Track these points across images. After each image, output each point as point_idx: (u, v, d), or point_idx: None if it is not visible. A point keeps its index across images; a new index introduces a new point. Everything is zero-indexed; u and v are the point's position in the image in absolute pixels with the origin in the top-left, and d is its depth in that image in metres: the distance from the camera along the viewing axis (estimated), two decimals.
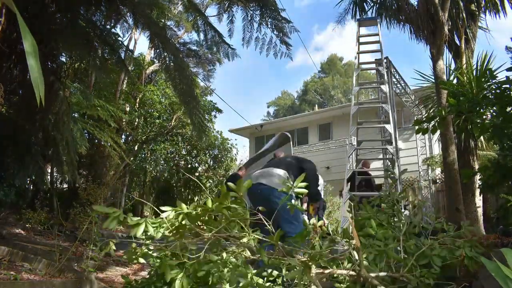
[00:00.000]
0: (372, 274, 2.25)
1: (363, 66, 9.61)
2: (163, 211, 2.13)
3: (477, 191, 6.18)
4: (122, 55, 9.65)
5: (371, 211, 2.74)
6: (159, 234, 2.15)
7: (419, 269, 2.29)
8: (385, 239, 2.52)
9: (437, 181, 12.24)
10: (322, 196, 6.64)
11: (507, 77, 3.16)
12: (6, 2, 1.35)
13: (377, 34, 8.51)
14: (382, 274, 2.29)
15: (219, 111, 16.49)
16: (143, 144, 14.87)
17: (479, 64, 6.84)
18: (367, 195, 8.21)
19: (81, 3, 5.96)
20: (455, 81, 7.02)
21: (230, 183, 2.11)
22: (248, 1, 6.49)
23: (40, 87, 1.27)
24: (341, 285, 2.30)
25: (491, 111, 3.45)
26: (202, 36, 7.73)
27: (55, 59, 6.85)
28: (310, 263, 2.06)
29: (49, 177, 10.87)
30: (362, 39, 8.87)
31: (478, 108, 3.47)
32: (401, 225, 2.58)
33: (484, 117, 3.49)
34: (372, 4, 8.35)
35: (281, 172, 3.08)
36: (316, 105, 29.98)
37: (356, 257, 2.26)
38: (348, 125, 12.06)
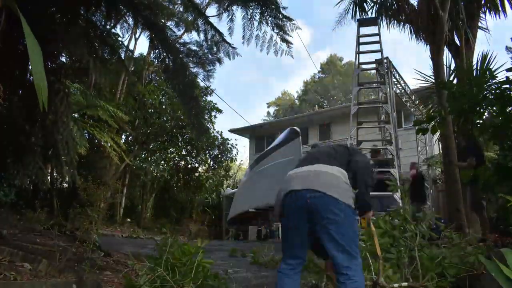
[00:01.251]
0: (396, 285, 2.28)
1: (364, 66, 9.61)
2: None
3: None
4: (122, 55, 9.66)
5: (385, 225, 2.75)
6: None
7: (435, 277, 2.36)
8: (398, 252, 2.56)
9: (437, 181, 12.24)
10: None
11: (507, 77, 3.16)
12: (9, 5, 1.36)
13: (378, 34, 8.51)
14: (404, 284, 2.33)
15: (219, 111, 16.49)
16: (143, 144, 14.87)
17: (479, 64, 6.84)
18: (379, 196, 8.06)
19: (81, 3, 5.96)
20: (455, 81, 7.02)
21: None
22: (248, 0, 6.47)
23: (43, 91, 1.28)
24: None
25: (491, 111, 3.45)
26: (202, 35, 7.69)
27: (55, 59, 6.84)
28: None
29: (49, 177, 10.88)
30: (362, 39, 8.86)
31: (478, 108, 3.47)
32: (414, 235, 2.64)
33: (484, 117, 3.49)
34: (372, 4, 8.36)
35: (338, 172, 2.05)
36: (316, 105, 29.98)
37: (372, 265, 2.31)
38: (348, 125, 12.01)
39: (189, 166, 16.78)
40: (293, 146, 9.54)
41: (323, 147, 2.43)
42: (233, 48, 7.50)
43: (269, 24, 6.57)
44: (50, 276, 3.10)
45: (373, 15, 8.38)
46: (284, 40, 6.77)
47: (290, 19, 6.55)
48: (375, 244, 2.43)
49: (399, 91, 10.60)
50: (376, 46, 8.71)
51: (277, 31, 6.64)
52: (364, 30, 8.95)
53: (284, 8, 6.42)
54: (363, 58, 9.68)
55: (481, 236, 4.77)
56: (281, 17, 6.47)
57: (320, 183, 1.98)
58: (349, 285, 1.87)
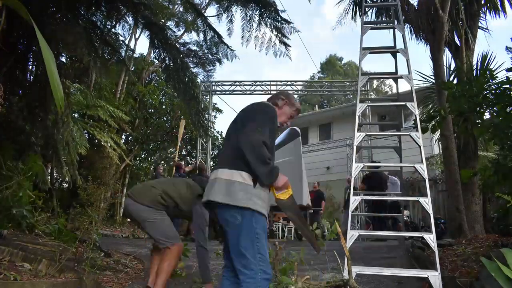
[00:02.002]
0: None
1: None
2: None
3: (477, 191, 6.18)
4: (122, 55, 9.66)
5: None
6: None
7: None
8: None
9: (438, 181, 12.23)
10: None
11: (507, 77, 3.16)
12: (17, 8, 1.37)
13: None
14: None
15: (219, 111, 16.51)
16: (143, 144, 14.87)
17: (479, 64, 6.84)
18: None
19: (81, 3, 5.96)
20: (455, 81, 7.01)
21: None
22: (247, 1, 6.49)
23: (58, 93, 1.32)
24: None
25: (491, 111, 3.46)
26: (201, 36, 7.74)
27: (55, 59, 6.85)
28: None
29: (49, 177, 10.87)
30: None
31: (478, 108, 3.47)
32: None
33: (484, 117, 3.49)
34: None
35: (236, 175, 1.92)
36: (316, 105, 29.95)
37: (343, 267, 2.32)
38: (348, 125, 11.80)
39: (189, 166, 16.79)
40: (293, 146, 9.53)
41: (233, 124, 2.14)
42: (232, 50, 7.54)
43: (268, 26, 6.61)
44: (50, 276, 3.10)
45: (373, 15, 8.34)
46: (282, 42, 6.82)
47: (288, 22, 6.61)
48: (342, 244, 2.49)
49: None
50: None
51: (276, 33, 6.68)
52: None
53: (282, 11, 6.47)
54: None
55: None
56: (279, 19, 6.52)
57: (215, 192, 1.93)
58: None
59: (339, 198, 12.49)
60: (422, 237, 3.36)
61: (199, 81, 12.36)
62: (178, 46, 7.75)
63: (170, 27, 13.66)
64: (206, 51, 14.24)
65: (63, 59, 7.80)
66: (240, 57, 7.92)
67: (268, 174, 1.87)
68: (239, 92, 12.43)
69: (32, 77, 6.45)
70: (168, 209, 3.00)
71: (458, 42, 7.31)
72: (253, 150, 1.83)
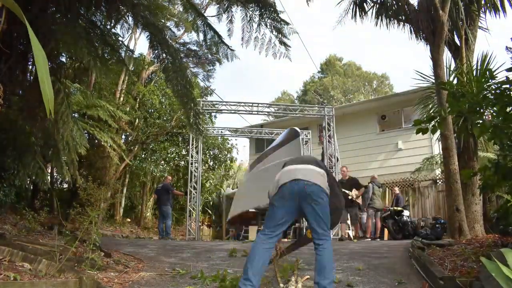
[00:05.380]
0: None
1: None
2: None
3: (477, 191, 6.18)
4: (122, 55, 9.66)
5: None
6: None
7: None
8: None
9: (438, 181, 12.24)
10: None
11: (507, 77, 3.16)
12: (11, 7, 1.35)
13: None
14: None
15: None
16: (143, 144, 14.86)
17: (479, 64, 6.84)
18: None
19: (81, 3, 5.96)
20: (455, 81, 7.01)
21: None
22: (248, 1, 6.50)
23: (50, 99, 1.29)
24: None
25: (491, 111, 3.45)
26: (201, 36, 7.74)
27: (55, 59, 6.85)
28: None
29: (49, 177, 10.88)
30: None
31: (478, 108, 3.47)
32: None
33: (484, 117, 3.49)
34: (372, 4, 8.34)
35: (323, 174, 2.90)
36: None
37: None
38: (349, 125, 11.80)
39: None
40: (293, 146, 9.53)
41: (309, 156, 3.04)
42: (232, 50, 7.55)
43: (268, 26, 6.62)
44: (50, 276, 3.10)
45: (373, 15, 8.34)
46: (282, 42, 6.83)
47: (287, 23, 6.64)
48: None
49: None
50: None
51: (276, 34, 6.69)
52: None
53: (281, 11, 6.48)
54: None
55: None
56: (279, 20, 6.53)
57: (313, 177, 2.81)
58: (323, 251, 2.61)
59: None
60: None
61: (198, 81, 12.42)
62: (178, 46, 7.75)
63: (170, 27, 13.67)
64: (206, 51, 14.26)
65: (63, 59, 7.80)
66: (240, 58, 7.90)
67: None
68: (225, 111, 13.28)
69: (32, 77, 6.45)
70: None
71: (458, 42, 7.31)
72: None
